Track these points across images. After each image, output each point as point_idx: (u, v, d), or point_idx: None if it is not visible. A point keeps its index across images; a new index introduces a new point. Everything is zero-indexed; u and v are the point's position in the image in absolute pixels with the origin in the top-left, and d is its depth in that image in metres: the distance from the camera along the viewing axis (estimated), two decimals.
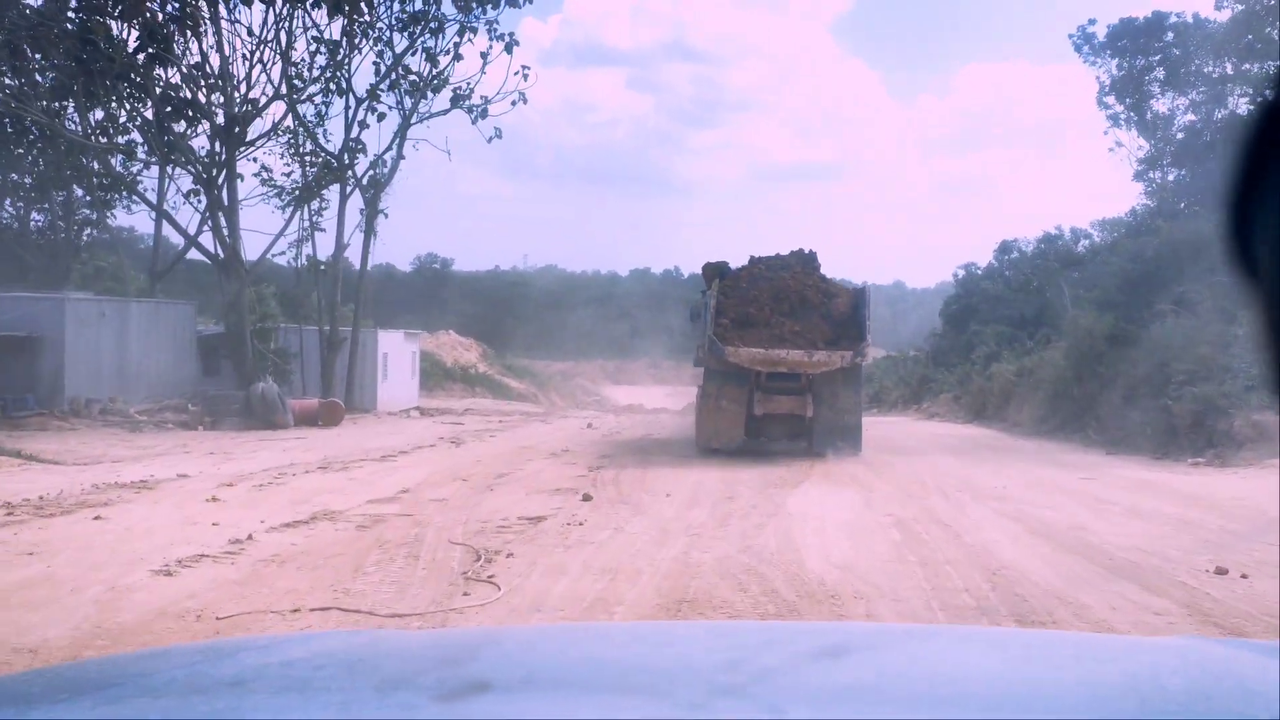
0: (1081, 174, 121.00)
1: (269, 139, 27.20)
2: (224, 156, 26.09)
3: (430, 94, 29.28)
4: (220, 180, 26.37)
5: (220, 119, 26.20)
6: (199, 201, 26.94)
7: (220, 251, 26.64)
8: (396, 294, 78.10)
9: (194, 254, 29.17)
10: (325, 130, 29.21)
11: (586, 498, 11.12)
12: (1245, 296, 0.79)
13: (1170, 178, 36.46)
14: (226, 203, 26.43)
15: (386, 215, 31.59)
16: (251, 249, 28.97)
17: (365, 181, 29.75)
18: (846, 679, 1.27)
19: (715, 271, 17.49)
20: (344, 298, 30.03)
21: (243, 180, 26.93)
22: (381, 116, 29.09)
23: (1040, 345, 28.78)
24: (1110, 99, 38.52)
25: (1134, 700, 1.23)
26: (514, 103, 29.20)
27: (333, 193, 29.41)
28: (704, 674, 1.25)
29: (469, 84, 29.36)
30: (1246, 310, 0.78)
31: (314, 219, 29.47)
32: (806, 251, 17.86)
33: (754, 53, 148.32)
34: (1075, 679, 1.35)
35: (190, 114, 26.07)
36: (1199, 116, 35.73)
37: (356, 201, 29.63)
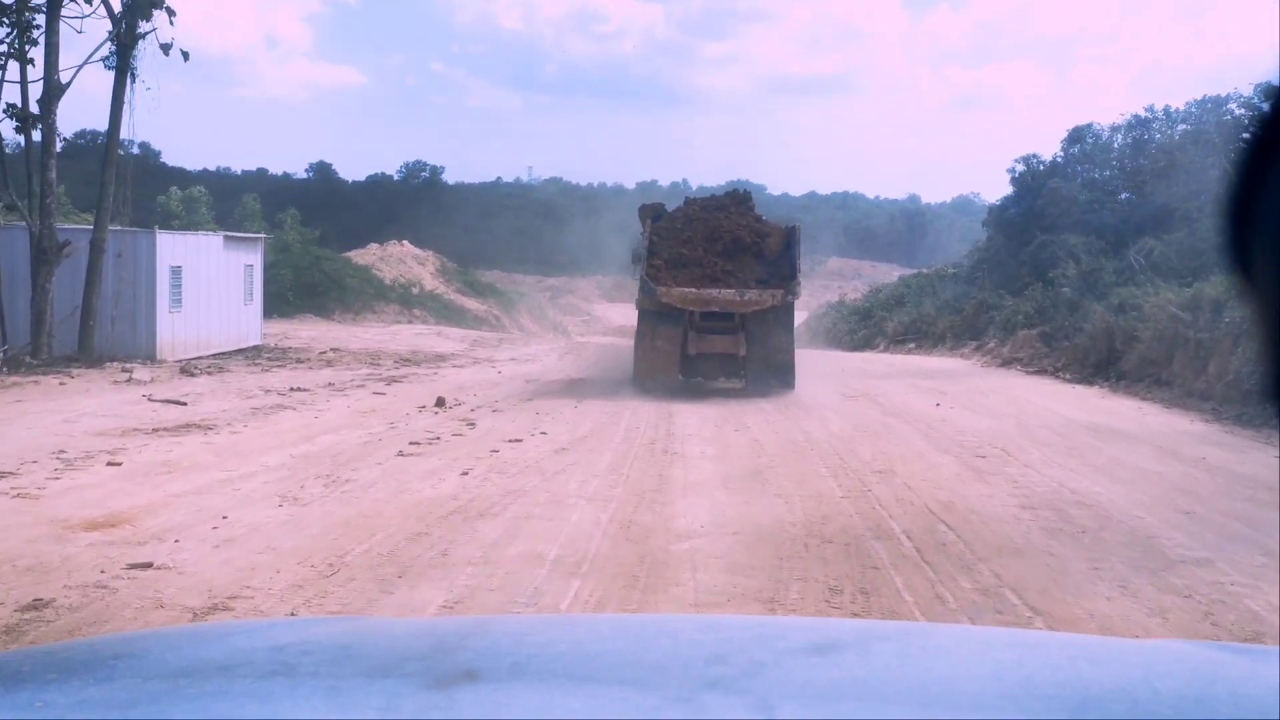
0: (1108, 84, 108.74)
1: None
2: None
3: None
4: None
5: None
6: None
7: None
8: (386, 202, 71.21)
9: None
10: None
11: None
12: (1243, 300, 0.76)
13: None
14: None
15: (187, 55, 20.50)
16: None
17: None
18: (836, 675, 1.25)
19: (651, 213, 17.81)
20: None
21: None
22: None
23: (1147, 259, 21.49)
24: None
25: (1125, 702, 1.21)
26: None
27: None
28: (693, 668, 1.24)
29: None
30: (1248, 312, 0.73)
31: (20, 41, 18.29)
32: (741, 191, 18.66)
33: None
34: (1066, 680, 1.31)
35: None
36: None
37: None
